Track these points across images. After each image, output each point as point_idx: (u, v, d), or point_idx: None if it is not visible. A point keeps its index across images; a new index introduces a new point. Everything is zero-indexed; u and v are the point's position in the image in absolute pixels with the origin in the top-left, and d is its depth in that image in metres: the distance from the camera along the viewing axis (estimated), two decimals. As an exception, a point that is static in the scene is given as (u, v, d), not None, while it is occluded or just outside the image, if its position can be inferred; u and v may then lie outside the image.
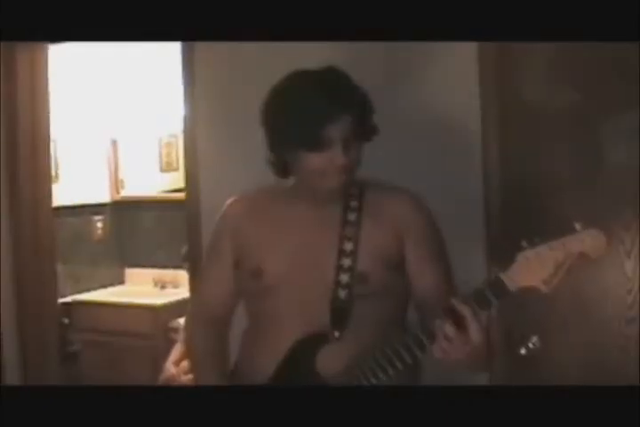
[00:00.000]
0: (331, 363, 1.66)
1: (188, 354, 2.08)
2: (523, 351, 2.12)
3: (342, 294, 1.67)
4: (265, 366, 1.72)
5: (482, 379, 2.12)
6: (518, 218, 2.22)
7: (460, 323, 1.48)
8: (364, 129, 1.67)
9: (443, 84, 2.36)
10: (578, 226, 1.44)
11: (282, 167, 1.74)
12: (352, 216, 1.73)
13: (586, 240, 1.44)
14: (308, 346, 1.68)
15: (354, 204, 1.74)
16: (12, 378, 3.09)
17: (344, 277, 1.68)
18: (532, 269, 1.47)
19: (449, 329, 1.48)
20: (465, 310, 1.48)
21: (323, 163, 1.64)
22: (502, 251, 2.18)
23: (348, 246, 1.70)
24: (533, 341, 2.11)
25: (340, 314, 1.68)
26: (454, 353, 1.50)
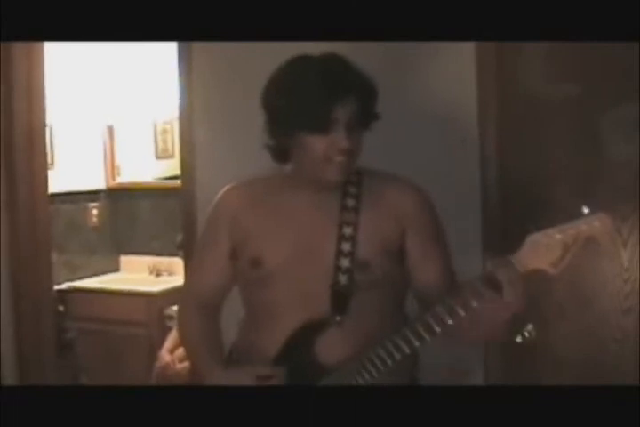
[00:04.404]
0: (331, 350, 1.67)
1: (181, 340, 2.08)
2: (518, 339, 2.12)
3: (343, 279, 1.67)
4: (265, 354, 1.71)
5: (479, 379, 2.13)
6: (516, 209, 2.22)
7: (498, 289, 1.50)
8: (367, 113, 1.66)
9: (441, 75, 2.35)
10: (585, 209, 1.45)
11: (281, 152, 1.73)
12: (351, 202, 1.72)
13: (595, 224, 1.45)
14: (308, 332, 1.68)
15: (352, 190, 1.74)
16: (9, 366, 3.08)
17: (344, 262, 1.68)
18: (541, 251, 1.48)
19: (488, 293, 1.50)
20: (502, 275, 1.50)
21: (325, 146, 1.62)
22: (499, 241, 2.19)
23: (347, 231, 1.69)
24: (529, 329, 2.11)
25: (340, 299, 1.67)
26: (492, 319, 1.54)
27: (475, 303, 1.52)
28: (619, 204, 2.11)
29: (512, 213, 2.21)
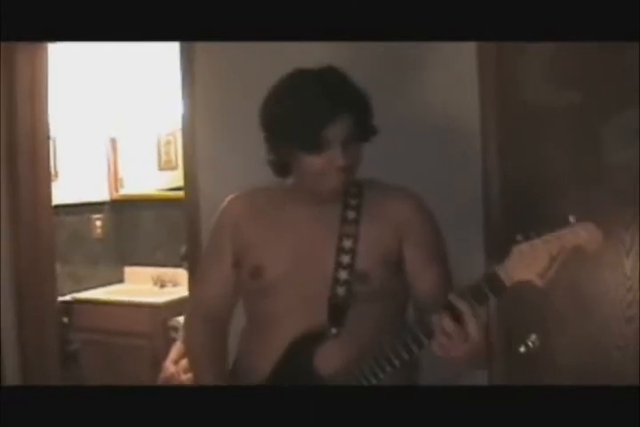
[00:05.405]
0: (329, 361, 1.67)
1: (186, 353, 2.08)
2: (522, 349, 2.12)
3: (340, 291, 1.68)
4: (264, 365, 1.72)
5: (480, 379, 2.12)
6: (518, 218, 2.22)
7: (458, 319, 1.48)
8: (363, 129, 1.67)
9: (442, 83, 2.35)
10: (572, 219, 1.44)
11: (282, 167, 1.74)
12: (351, 214, 1.73)
13: (580, 233, 1.44)
14: (306, 344, 1.69)
15: (353, 202, 1.75)
16: (12, 377, 3.08)
17: (342, 275, 1.68)
18: (527, 262, 1.47)
19: (447, 324, 1.48)
20: (463, 306, 1.48)
21: (322, 164, 1.64)
22: (501, 250, 2.19)
23: (347, 244, 1.70)
24: (532, 339, 2.11)
25: (337, 311, 1.68)
26: (453, 349, 1.50)
27: (437, 332, 1.51)
28: (621, 212, 2.11)
29: (514, 223, 2.21)
